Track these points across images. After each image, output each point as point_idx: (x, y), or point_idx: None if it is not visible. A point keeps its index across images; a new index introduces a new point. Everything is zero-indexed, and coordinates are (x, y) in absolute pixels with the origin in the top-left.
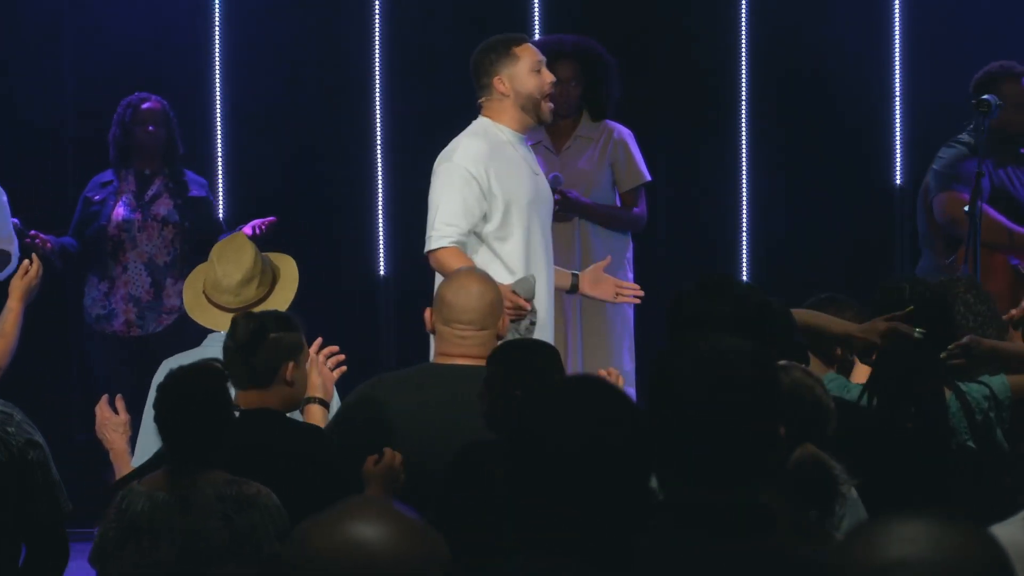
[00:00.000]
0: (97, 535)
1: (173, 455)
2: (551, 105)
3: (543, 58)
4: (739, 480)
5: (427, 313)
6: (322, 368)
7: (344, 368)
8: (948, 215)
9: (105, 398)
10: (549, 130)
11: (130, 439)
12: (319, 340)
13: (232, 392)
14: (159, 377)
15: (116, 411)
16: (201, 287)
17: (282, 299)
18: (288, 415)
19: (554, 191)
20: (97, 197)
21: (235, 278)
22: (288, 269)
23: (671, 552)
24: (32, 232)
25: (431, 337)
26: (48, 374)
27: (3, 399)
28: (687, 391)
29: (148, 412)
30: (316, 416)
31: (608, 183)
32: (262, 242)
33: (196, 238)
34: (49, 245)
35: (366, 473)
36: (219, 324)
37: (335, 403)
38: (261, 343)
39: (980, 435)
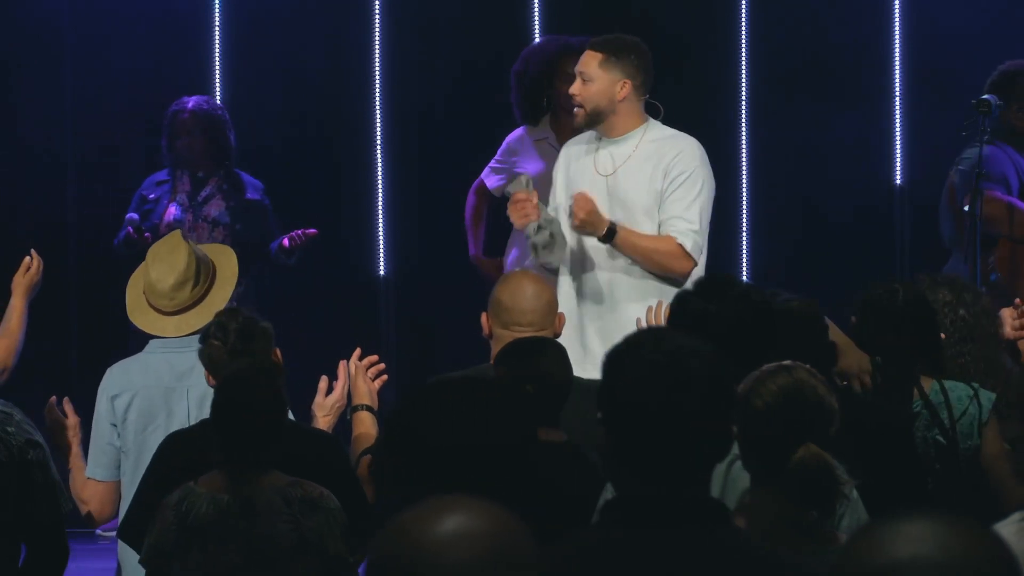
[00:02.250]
0: (152, 536)
1: (232, 457)
2: (575, 112)
3: (576, 69)
4: (690, 478)
5: (483, 318)
6: (365, 377)
7: (385, 377)
8: (982, 214)
9: (53, 400)
10: (555, 128)
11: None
12: (358, 350)
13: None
14: (104, 384)
15: (65, 414)
16: (142, 287)
17: (219, 299)
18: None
19: None
20: (152, 195)
21: (168, 282)
22: (227, 265)
23: (621, 546)
24: (148, 235)
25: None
26: (48, 374)
27: (3, 399)
28: (639, 391)
29: (97, 419)
30: (366, 423)
31: None
32: (298, 253)
33: (246, 241)
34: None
35: (360, 475)
36: (156, 328)
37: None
38: (255, 334)
39: (955, 434)
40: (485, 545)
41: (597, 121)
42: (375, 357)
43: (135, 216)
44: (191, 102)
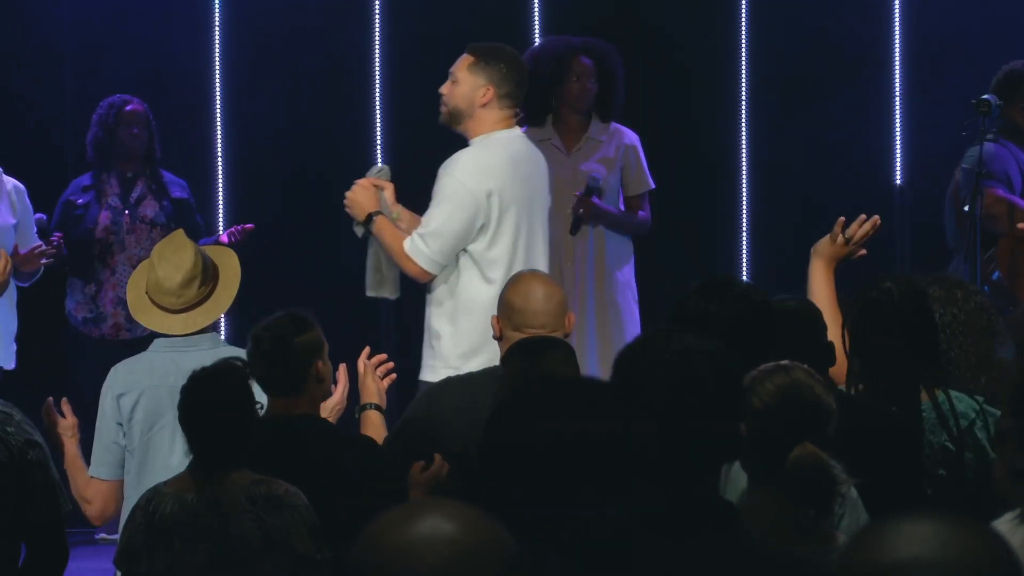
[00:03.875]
0: (122, 537)
1: (199, 457)
2: (440, 110)
3: (450, 70)
4: (698, 477)
5: (494, 320)
6: (374, 376)
7: (394, 376)
8: (984, 211)
9: (50, 401)
10: (560, 130)
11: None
12: (367, 349)
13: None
14: (108, 383)
15: (63, 414)
16: (144, 287)
17: (225, 297)
18: (332, 424)
19: (592, 192)
20: (80, 201)
21: (176, 280)
22: (229, 265)
23: (637, 548)
24: (57, 235)
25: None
26: (47, 374)
27: (3, 399)
28: (648, 390)
29: (102, 417)
30: (375, 422)
31: (616, 186)
32: (238, 249)
33: None
34: (64, 253)
35: (412, 478)
36: (162, 326)
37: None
38: (288, 351)
39: (961, 441)
40: (458, 548)
41: (456, 122)
42: (384, 356)
43: (42, 216)
44: (135, 99)
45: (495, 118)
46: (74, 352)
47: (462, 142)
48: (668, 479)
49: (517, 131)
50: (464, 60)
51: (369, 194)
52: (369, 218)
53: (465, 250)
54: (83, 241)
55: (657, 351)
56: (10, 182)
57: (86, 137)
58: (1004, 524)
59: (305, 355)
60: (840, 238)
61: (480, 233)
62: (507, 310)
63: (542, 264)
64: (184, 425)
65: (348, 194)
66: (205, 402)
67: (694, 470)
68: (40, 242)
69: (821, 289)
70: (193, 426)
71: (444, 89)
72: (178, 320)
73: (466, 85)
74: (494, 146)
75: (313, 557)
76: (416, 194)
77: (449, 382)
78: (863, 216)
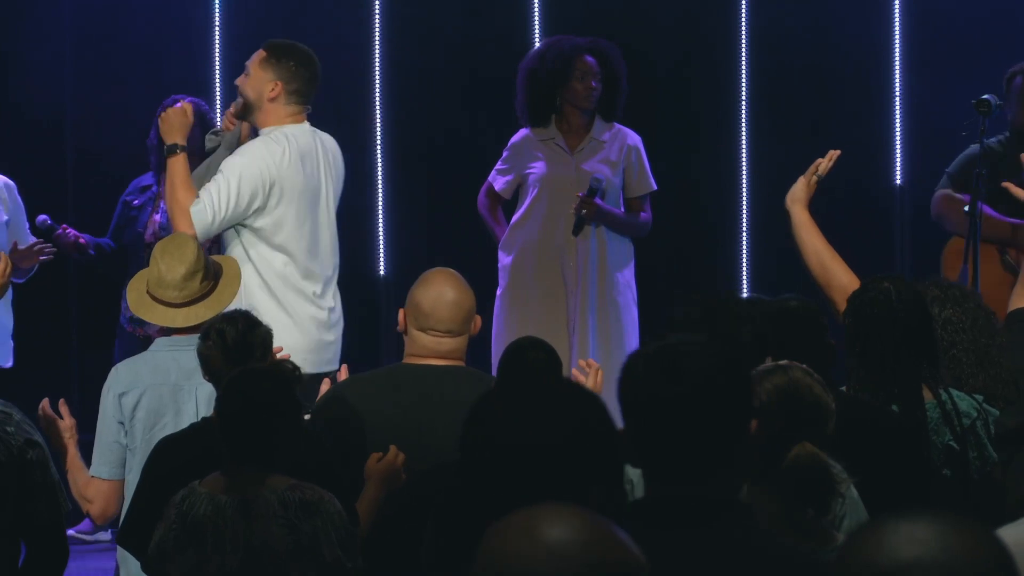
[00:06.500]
0: (157, 534)
1: (234, 458)
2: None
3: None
4: (703, 475)
5: (401, 315)
6: None
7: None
8: (935, 211)
9: (46, 401)
10: (563, 130)
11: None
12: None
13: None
14: (109, 382)
15: (60, 415)
16: (144, 287)
17: (227, 294)
18: None
19: (595, 193)
20: (136, 202)
21: (179, 272)
22: (230, 265)
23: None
24: (63, 226)
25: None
26: (48, 374)
27: (2, 399)
28: (638, 387)
29: (103, 417)
30: None
31: (618, 187)
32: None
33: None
34: (82, 240)
35: (368, 471)
36: (164, 319)
37: None
38: (255, 341)
39: (965, 439)
40: (586, 556)
41: (248, 113)
42: (279, 347)
43: (46, 217)
44: (187, 99)
45: (283, 113)
46: (121, 349)
47: (460, 141)
48: (672, 478)
49: (306, 126)
50: (258, 55)
51: (184, 121)
52: (173, 147)
53: (245, 235)
54: (135, 244)
55: (646, 350)
56: (0, 179)
57: (91, 138)
58: None
59: (265, 347)
60: (813, 178)
61: (256, 218)
62: (415, 309)
63: (326, 253)
64: (221, 425)
65: (164, 113)
66: (242, 402)
67: (695, 468)
68: (35, 239)
69: (813, 233)
70: (231, 427)
71: (239, 81)
72: (180, 314)
73: (256, 79)
74: (282, 140)
75: (344, 565)
76: (415, 195)
77: (351, 381)
78: (831, 152)
